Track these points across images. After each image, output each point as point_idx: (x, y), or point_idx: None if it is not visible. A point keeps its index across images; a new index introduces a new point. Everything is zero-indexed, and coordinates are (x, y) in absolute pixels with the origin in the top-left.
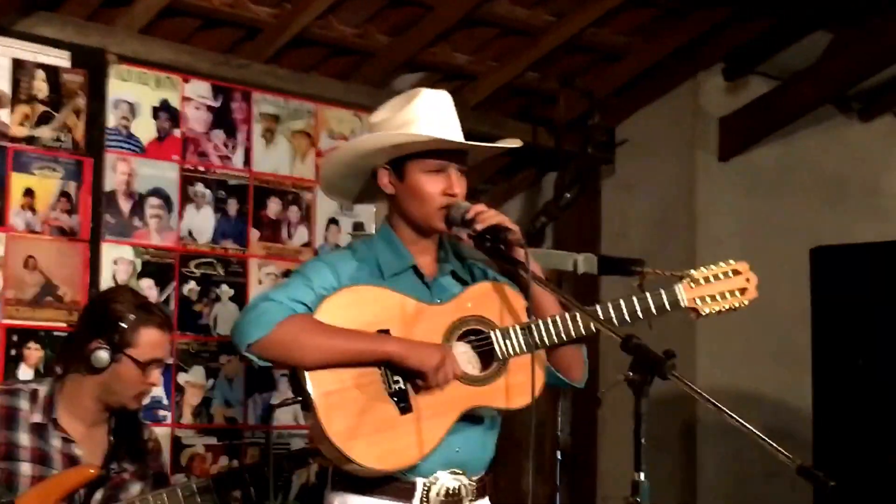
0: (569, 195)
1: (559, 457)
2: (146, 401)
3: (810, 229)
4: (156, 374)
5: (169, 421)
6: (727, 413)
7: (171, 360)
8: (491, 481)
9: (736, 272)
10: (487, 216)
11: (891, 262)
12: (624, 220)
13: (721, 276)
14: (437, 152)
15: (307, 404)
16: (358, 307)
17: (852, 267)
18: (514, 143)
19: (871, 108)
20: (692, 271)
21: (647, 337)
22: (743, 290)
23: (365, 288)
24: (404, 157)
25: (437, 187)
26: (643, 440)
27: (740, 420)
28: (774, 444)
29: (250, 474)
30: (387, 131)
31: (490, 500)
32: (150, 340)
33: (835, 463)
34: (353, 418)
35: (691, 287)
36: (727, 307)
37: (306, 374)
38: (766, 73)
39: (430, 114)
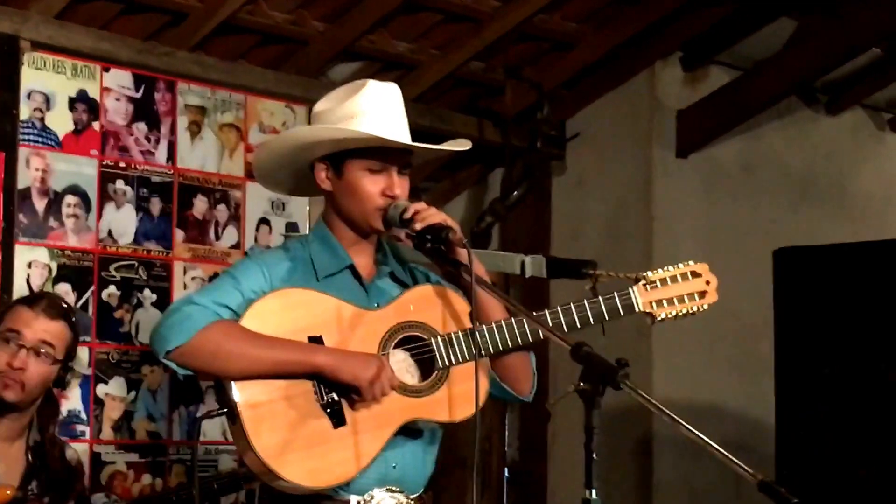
0: (516, 193)
1: (506, 474)
2: (11, 395)
3: (774, 230)
4: (11, 351)
5: (87, 437)
6: (683, 426)
7: (86, 371)
8: (431, 499)
9: (695, 274)
10: (427, 215)
11: (859, 265)
12: (576, 220)
13: (679, 278)
14: (380, 150)
15: (233, 416)
16: (288, 312)
17: (818, 270)
18: (462, 146)
19: (838, 100)
20: (648, 273)
21: (599, 345)
22: (702, 294)
23: (296, 291)
24: (344, 153)
25: (376, 187)
26: (594, 455)
27: (697, 433)
28: (734, 459)
29: (176, 497)
30: (327, 124)
31: None
32: (14, 315)
33: (799, 478)
34: (282, 432)
35: (647, 290)
36: (685, 311)
37: (232, 383)
38: (727, 63)
39: (375, 109)
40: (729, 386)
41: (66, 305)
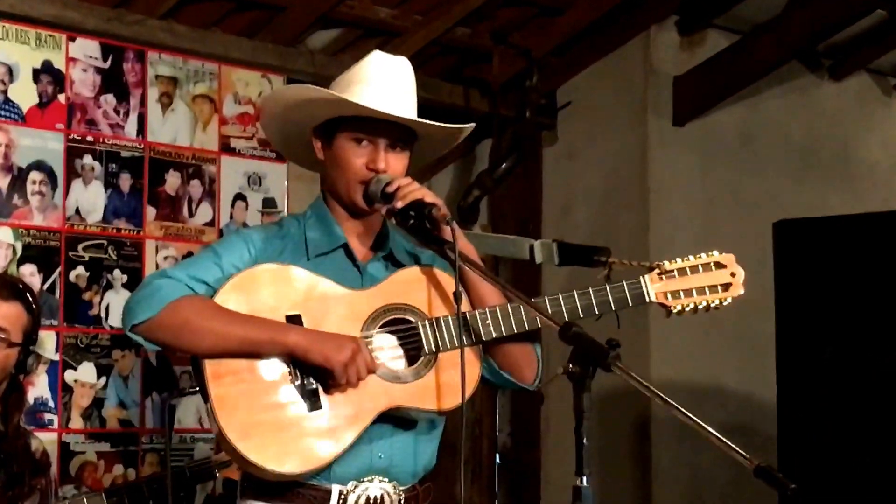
0: (505, 165)
1: (498, 460)
2: None
3: (775, 201)
4: None
5: (55, 426)
6: (677, 408)
7: (53, 356)
8: (428, 492)
9: (719, 265)
10: (409, 190)
11: (864, 238)
12: (567, 194)
13: (700, 268)
14: (370, 121)
15: (205, 394)
16: (267, 288)
17: (821, 243)
18: (465, 127)
19: (842, 64)
20: (665, 262)
21: (594, 325)
22: (726, 286)
23: (277, 267)
24: (336, 123)
25: (361, 158)
26: (585, 440)
27: (691, 416)
28: (729, 443)
29: (148, 487)
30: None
31: None
32: None
33: (801, 461)
34: (253, 413)
35: (662, 279)
36: (705, 304)
37: (205, 361)
38: (726, 27)
39: (374, 79)
40: (729, 366)
41: (21, 286)
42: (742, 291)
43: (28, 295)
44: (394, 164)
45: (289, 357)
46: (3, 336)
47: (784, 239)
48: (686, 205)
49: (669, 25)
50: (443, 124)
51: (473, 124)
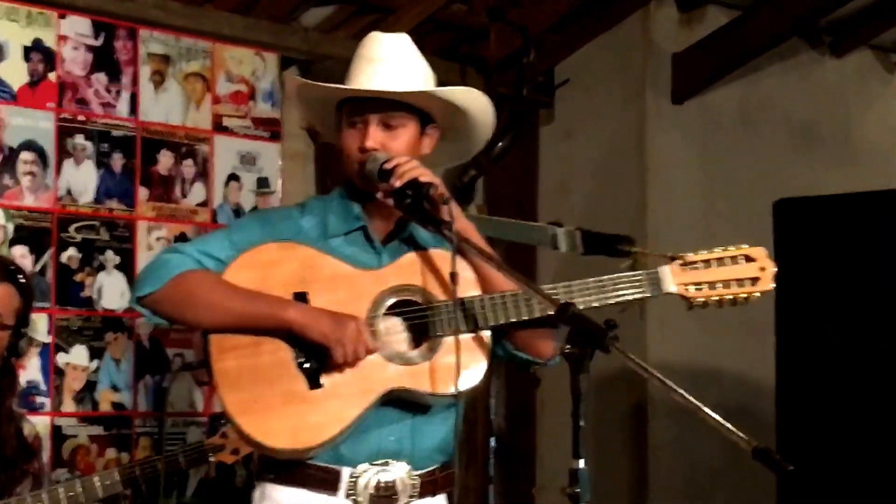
0: (501, 144)
1: (492, 443)
2: None
3: (775, 180)
4: None
5: (47, 409)
6: (675, 389)
7: (45, 339)
8: (449, 479)
9: (748, 258)
10: (407, 169)
11: (865, 217)
12: (565, 172)
13: (728, 261)
14: (358, 102)
15: (209, 369)
16: (277, 266)
17: (821, 222)
18: (450, 91)
19: (844, 40)
20: (689, 254)
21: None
22: (754, 280)
23: (289, 245)
24: (341, 107)
25: (355, 140)
26: (582, 422)
27: (689, 397)
28: (728, 424)
29: (140, 471)
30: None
31: (450, 499)
32: None
33: (800, 443)
34: (254, 389)
35: (683, 270)
36: (731, 298)
37: (209, 336)
38: (725, 3)
39: (364, 57)
40: (728, 347)
41: (13, 267)
42: (772, 286)
43: (20, 276)
44: (387, 142)
45: (290, 334)
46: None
47: (784, 218)
48: (684, 184)
49: (668, 2)
50: (433, 90)
51: (467, 88)
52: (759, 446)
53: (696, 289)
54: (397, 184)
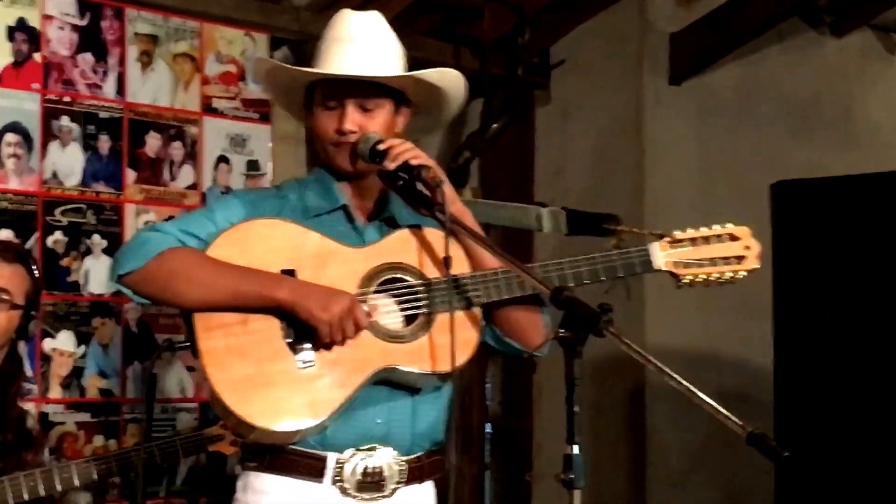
0: (497, 126)
1: (488, 430)
2: None
3: (774, 162)
4: None
5: (34, 395)
6: (670, 374)
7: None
8: (437, 465)
9: (733, 237)
10: (401, 151)
11: (865, 199)
12: (561, 154)
13: (713, 239)
14: (332, 84)
15: (195, 349)
16: (261, 242)
17: (820, 205)
18: (428, 73)
19: (845, 20)
20: (677, 231)
21: (590, 289)
22: (740, 259)
23: (273, 221)
24: (313, 87)
25: (330, 123)
26: (577, 408)
27: (684, 382)
28: (723, 410)
29: (137, 454)
30: (315, 55)
31: (437, 486)
32: None
33: (798, 429)
34: (242, 368)
35: (671, 248)
36: (717, 276)
37: (195, 315)
38: None
39: (337, 38)
40: (726, 331)
41: (23, 250)
42: (757, 265)
43: (30, 259)
44: (364, 123)
45: (280, 310)
46: (6, 297)
47: (782, 200)
48: (682, 166)
49: None
50: (410, 73)
51: (447, 70)
52: (755, 432)
53: (684, 266)
54: (392, 166)
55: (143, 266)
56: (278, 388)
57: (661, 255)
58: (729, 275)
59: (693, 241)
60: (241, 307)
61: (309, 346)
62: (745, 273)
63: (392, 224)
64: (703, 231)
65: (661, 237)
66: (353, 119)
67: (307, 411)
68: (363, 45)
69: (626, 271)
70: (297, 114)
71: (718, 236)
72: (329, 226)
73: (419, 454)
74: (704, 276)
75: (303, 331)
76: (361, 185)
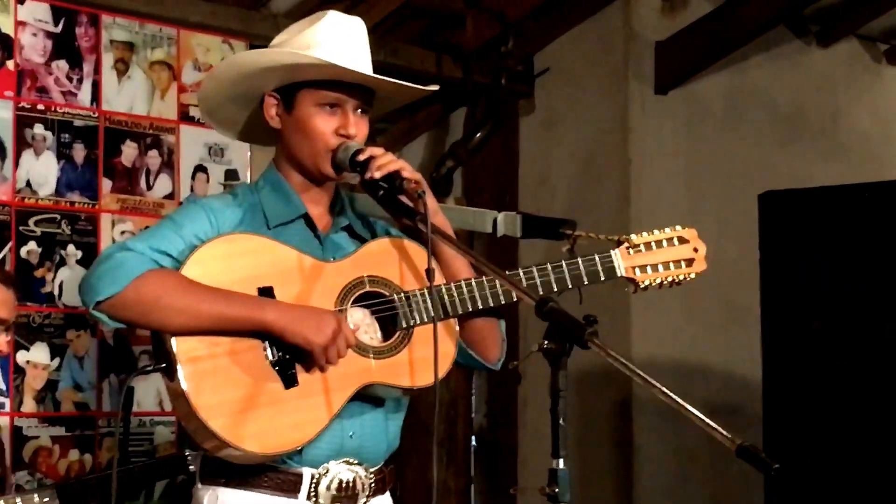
0: (480, 135)
1: (473, 442)
2: None
3: (761, 172)
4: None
5: (7, 409)
6: (656, 386)
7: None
8: (393, 474)
9: (682, 240)
10: (383, 162)
11: (852, 209)
12: (545, 164)
13: (665, 242)
14: (336, 84)
15: (171, 372)
16: (236, 259)
17: (808, 215)
18: (428, 88)
19: (831, 30)
20: (632, 236)
21: (575, 300)
22: (690, 262)
23: (245, 236)
24: (297, 85)
25: (329, 125)
26: (562, 420)
27: (671, 394)
28: (711, 422)
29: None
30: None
31: (393, 496)
32: None
33: (787, 440)
34: (227, 391)
35: (630, 254)
36: (670, 279)
37: (174, 339)
38: None
39: (334, 40)
40: (715, 342)
41: (7, 272)
42: (704, 267)
43: (12, 280)
44: (361, 128)
45: (262, 334)
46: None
47: (770, 211)
48: (668, 176)
49: None
50: (414, 85)
51: (437, 86)
52: (744, 444)
53: (642, 271)
54: (377, 175)
55: (122, 292)
56: (265, 409)
57: (623, 262)
58: (681, 277)
59: (648, 245)
60: (227, 331)
61: (293, 366)
62: (694, 275)
63: (349, 230)
64: (657, 235)
65: (617, 242)
66: (357, 124)
67: (295, 432)
68: (363, 51)
69: (591, 279)
70: (227, 128)
71: (669, 239)
72: (293, 236)
73: (381, 465)
74: (661, 280)
75: (286, 350)
76: (321, 192)
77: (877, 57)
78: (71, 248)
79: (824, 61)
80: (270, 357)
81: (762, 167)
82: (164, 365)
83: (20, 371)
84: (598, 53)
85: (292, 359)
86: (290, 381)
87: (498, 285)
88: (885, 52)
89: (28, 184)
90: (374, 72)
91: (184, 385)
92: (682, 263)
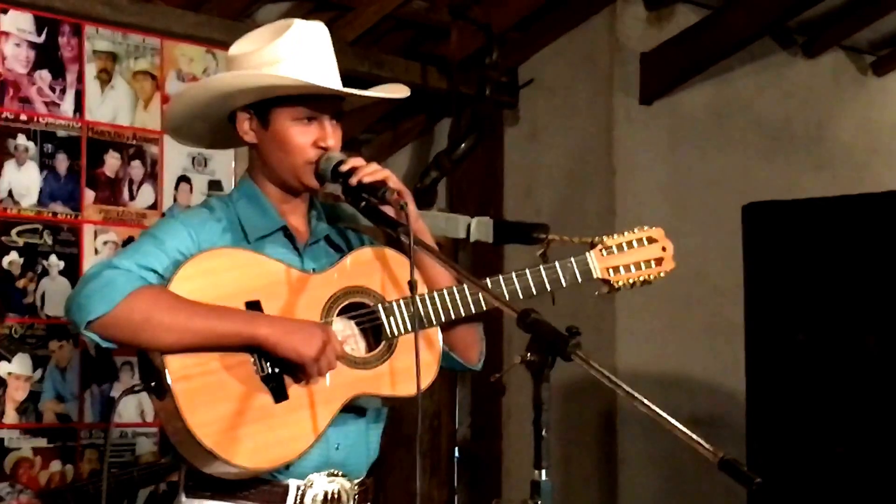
0: (465, 145)
1: (456, 454)
2: None
3: (746, 183)
4: None
5: None
6: (638, 398)
7: None
8: (373, 485)
9: (651, 239)
10: (366, 172)
11: (837, 221)
12: (530, 175)
13: (635, 243)
14: (309, 97)
15: (161, 390)
16: (221, 274)
17: (792, 226)
18: (399, 92)
19: (816, 41)
20: (604, 238)
21: (560, 311)
22: (659, 261)
23: (229, 251)
24: (269, 101)
25: (307, 138)
26: (545, 432)
27: (653, 406)
28: (693, 435)
29: (94, 488)
30: (248, 69)
31: None
32: None
33: (771, 453)
34: (219, 407)
35: (603, 255)
36: (643, 279)
37: (165, 356)
38: (695, 1)
39: (302, 51)
40: (699, 354)
41: None
42: (673, 266)
43: None
44: (337, 136)
45: (252, 348)
46: None
47: (754, 222)
48: (653, 186)
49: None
50: (378, 93)
51: (407, 89)
52: (726, 457)
53: (615, 272)
54: (365, 181)
55: (112, 311)
56: (256, 425)
57: (598, 264)
58: (652, 276)
59: (620, 246)
60: (219, 347)
61: (282, 379)
62: (664, 274)
63: (329, 242)
64: (627, 236)
65: (591, 245)
66: (334, 134)
67: (287, 447)
68: (330, 59)
69: (568, 282)
70: (194, 141)
71: (640, 240)
72: (273, 248)
73: (364, 477)
74: (633, 280)
75: (275, 364)
76: (298, 203)
77: (863, 68)
78: (53, 258)
79: (810, 72)
80: (261, 372)
81: (747, 178)
82: (153, 384)
83: (2, 382)
84: (583, 64)
85: (282, 372)
86: (280, 395)
87: (480, 295)
88: (872, 63)
89: (10, 194)
90: (356, 81)
91: (178, 404)
92: (653, 263)
